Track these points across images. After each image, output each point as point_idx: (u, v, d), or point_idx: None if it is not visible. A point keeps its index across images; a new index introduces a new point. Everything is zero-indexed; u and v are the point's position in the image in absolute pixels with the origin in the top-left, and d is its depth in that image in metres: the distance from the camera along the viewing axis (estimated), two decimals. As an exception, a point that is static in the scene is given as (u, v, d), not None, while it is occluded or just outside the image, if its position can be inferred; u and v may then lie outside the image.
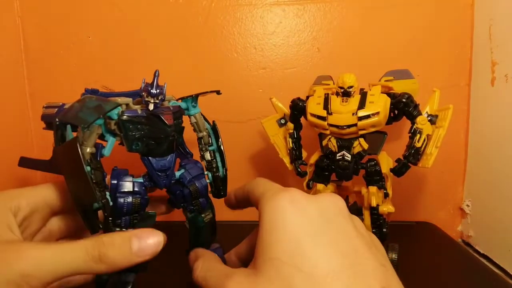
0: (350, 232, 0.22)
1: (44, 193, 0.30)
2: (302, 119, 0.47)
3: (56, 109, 0.34)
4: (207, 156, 0.38)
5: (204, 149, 0.39)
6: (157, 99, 0.31)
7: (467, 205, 0.61)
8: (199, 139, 0.38)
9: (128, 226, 0.31)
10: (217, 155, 0.39)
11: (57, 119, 0.29)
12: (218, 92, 0.38)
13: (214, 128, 0.39)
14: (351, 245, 0.21)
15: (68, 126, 0.29)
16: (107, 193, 0.30)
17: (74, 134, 0.29)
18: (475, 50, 0.59)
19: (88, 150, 0.29)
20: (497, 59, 0.53)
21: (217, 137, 0.39)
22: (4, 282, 0.21)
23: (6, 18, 0.61)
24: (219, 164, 0.39)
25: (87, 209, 0.29)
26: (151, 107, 0.30)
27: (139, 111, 0.31)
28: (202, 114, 0.38)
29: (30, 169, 0.38)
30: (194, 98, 0.36)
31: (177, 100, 0.36)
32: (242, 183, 0.34)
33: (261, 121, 0.50)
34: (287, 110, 0.49)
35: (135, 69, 0.61)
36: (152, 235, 0.25)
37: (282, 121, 0.50)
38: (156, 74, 0.30)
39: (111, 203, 0.30)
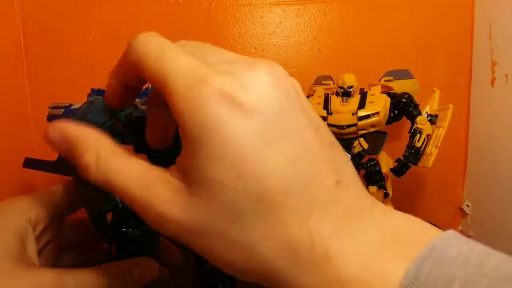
0: (299, 120, 0.17)
1: (59, 198, 0.29)
2: (302, 119, 0.47)
3: (63, 110, 0.34)
4: None
5: None
6: None
7: (467, 205, 0.61)
8: None
9: (135, 227, 0.30)
10: None
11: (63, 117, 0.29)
12: None
13: None
14: (302, 143, 0.16)
15: None
16: None
17: None
18: (475, 50, 0.59)
19: None
20: (497, 59, 0.53)
21: None
22: None
23: (6, 18, 0.61)
24: None
25: (96, 211, 0.28)
26: None
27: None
28: None
29: (31, 171, 0.37)
30: None
31: None
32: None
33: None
34: (287, 110, 0.49)
35: (135, 69, 0.61)
36: (148, 264, 0.28)
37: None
38: None
39: (120, 205, 0.30)
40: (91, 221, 0.29)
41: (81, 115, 0.29)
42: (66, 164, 0.29)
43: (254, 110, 0.16)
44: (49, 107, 0.36)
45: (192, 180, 0.16)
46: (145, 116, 0.29)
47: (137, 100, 0.31)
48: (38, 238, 0.27)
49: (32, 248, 0.26)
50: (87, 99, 0.33)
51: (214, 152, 0.15)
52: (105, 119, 0.27)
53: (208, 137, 0.15)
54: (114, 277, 0.26)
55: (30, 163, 0.36)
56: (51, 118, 0.35)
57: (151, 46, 0.18)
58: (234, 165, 0.15)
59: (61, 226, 0.31)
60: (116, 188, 0.18)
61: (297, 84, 0.19)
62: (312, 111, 0.18)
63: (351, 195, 0.17)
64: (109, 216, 0.31)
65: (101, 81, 0.32)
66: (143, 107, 0.31)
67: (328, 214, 0.16)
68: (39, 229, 0.27)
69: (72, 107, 0.33)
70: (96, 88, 0.34)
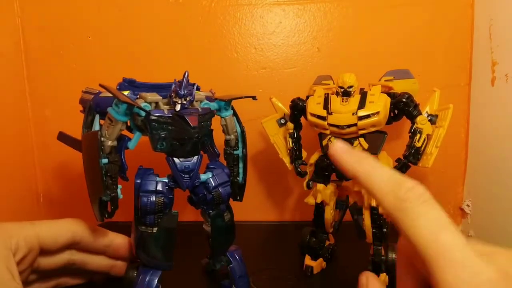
0: None
1: (38, 232, 0.31)
2: (302, 119, 0.47)
3: (93, 96, 0.35)
4: (230, 160, 0.39)
5: (228, 152, 0.39)
6: (185, 100, 0.31)
7: (467, 205, 0.61)
8: (226, 141, 0.39)
9: (153, 224, 0.32)
10: (241, 161, 0.39)
11: (91, 102, 0.32)
12: (254, 98, 0.38)
13: (242, 134, 0.39)
14: None
15: (97, 116, 0.31)
16: (119, 186, 0.32)
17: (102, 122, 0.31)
18: (475, 50, 0.59)
19: (109, 143, 0.30)
20: (497, 59, 0.53)
21: (244, 143, 0.39)
22: None
23: (6, 18, 0.61)
24: (241, 170, 0.39)
25: (97, 199, 0.31)
26: (177, 107, 0.31)
27: (166, 111, 0.31)
28: (236, 116, 0.38)
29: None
30: (227, 102, 0.37)
31: (214, 99, 0.36)
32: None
33: (261, 121, 0.50)
34: (287, 110, 0.49)
35: (135, 69, 0.61)
36: None
37: (282, 121, 0.50)
38: (186, 75, 0.31)
39: (120, 197, 0.32)
40: (93, 206, 0.31)
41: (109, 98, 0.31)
42: (82, 148, 0.32)
43: None
44: (82, 91, 0.37)
45: None
46: (163, 115, 0.31)
47: (160, 98, 0.32)
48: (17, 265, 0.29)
49: (16, 277, 0.27)
50: (117, 88, 0.35)
51: None
52: (130, 104, 0.30)
53: None
54: None
55: (62, 137, 0.39)
56: (82, 101, 0.37)
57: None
58: None
59: (35, 260, 0.32)
60: None
61: None
62: None
63: None
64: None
65: (101, 81, 0.32)
66: (165, 106, 0.32)
67: None
68: (18, 257, 0.29)
69: (100, 95, 0.34)
70: (128, 78, 0.36)
